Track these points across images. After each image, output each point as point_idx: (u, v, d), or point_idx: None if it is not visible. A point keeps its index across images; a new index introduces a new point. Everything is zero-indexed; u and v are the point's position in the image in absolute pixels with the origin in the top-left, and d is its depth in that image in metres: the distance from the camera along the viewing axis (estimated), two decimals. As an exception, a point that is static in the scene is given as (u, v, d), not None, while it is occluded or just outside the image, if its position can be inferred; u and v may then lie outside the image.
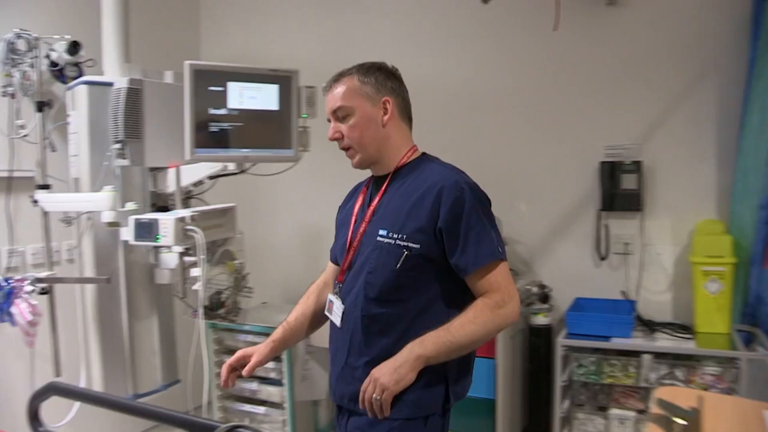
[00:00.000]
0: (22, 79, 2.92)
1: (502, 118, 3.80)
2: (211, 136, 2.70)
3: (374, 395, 1.66)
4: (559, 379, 3.21)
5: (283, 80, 2.85)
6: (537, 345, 3.49)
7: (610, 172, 3.47)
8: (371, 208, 1.84)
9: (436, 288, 1.76)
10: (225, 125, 2.74)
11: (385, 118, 1.80)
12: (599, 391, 3.25)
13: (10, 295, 2.59)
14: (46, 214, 2.91)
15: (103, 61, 2.94)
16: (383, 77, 1.83)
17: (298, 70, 2.88)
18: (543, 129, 3.71)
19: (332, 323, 1.90)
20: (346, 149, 1.86)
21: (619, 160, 3.46)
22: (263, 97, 2.81)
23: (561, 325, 3.41)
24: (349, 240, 1.88)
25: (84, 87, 2.80)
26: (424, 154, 1.91)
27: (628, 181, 3.44)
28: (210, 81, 2.68)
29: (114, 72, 2.90)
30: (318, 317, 2.02)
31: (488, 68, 3.81)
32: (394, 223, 1.76)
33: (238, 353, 1.94)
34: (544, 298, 3.50)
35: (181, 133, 2.68)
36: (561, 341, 3.20)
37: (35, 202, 2.80)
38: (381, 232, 1.76)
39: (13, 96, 2.94)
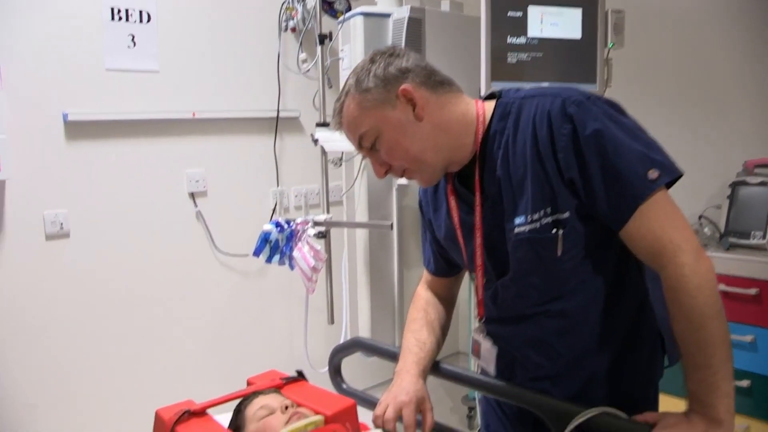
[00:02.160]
0: (303, 13, 2.81)
1: None
2: (508, 67, 2.37)
3: None
4: None
5: (588, 3, 2.41)
6: None
7: None
8: (477, 207, 1.34)
9: (608, 266, 1.30)
10: (523, 56, 2.38)
11: (417, 110, 1.27)
12: None
13: (291, 238, 2.50)
14: (324, 153, 2.79)
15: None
16: (381, 69, 1.28)
17: (604, -10, 2.43)
18: None
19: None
20: (403, 175, 1.35)
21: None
22: (565, 24, 2.41)
23: None
24: (466, 260, 1.42)
25: (360, 18, 2.61)
26: (497, 99, 1.34)
27: None
28: (509, 5, 2.34)
29: (388, 3, 2.70)
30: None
31: None
32: (525, 203, 1.26)
33: (393, 407, 1.36)
34: None
35: (463, 66, 2.41)
36: None
37: (315, 141, 2.68)
38: (517, 220, 1.27)
39: (293, 30, 2.84)
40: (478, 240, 1.35)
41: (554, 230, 1.23)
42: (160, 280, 2.79)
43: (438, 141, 1.29)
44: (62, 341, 2.54)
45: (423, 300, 1.59)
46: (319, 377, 1.67)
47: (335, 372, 1.79)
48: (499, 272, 1.36)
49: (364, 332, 2.88)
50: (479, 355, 1.46)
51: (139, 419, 1.74)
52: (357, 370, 1.88)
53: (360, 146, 1.32)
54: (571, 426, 1.22)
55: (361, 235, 2.80)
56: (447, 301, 1.62)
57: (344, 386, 1.78)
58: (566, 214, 1.21)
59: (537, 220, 1.24)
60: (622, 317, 1.32)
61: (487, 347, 1.42)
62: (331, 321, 2.89)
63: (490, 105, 1.33)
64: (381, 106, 1.26)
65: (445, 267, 1.57)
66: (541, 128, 1.21)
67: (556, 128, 1.19)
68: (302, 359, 2.93)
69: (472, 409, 3.15)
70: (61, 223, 2.49)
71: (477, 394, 2.82)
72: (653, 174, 1.14)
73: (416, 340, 1.50)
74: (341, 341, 2.94)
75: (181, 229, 2.85)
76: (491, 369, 1.43)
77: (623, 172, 1.14)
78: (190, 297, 2.90)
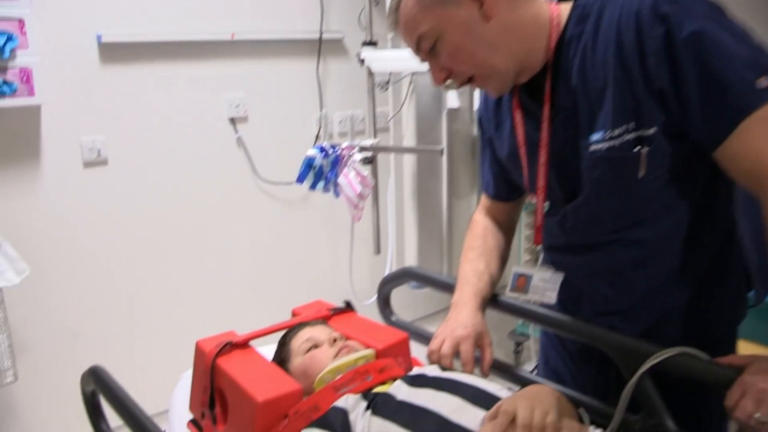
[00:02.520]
0: None
1: None
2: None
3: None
4: None
5: None
6: None
7: None
8: (545, 121, 1.18)
9: (694, 191, 1.14)
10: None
11: (485, 8, 1.08)
12: None
13: (336, 163, 2.38)
14: (370, 76, 2.64)
15: None
16: None
17: None
18: None
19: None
20: (467, 83, 1.18)
21: None
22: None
23: None
24: (527, 181, 1.27)
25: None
26: (574, 0, 1.15)
27: None
28: None
29: None
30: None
31: None
32: (604, 117, 1.09)
33: (450, 342, 1.25)
34: None
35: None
36: None
37: (361, 61, 2.52)
38: (594, 137, 1.12)
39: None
40: (543, 159, 1.21)
41: (637, 148, 1.08)
42: (199, 209, 2.72)
43: (508, 45, 1.13)
44: (101, 271, 2.51)
45: (481, 227, 1.47)
46: (364, 309, 1.57)
47: (384, 303, 1.70)
48: (569, 195, 1.23)
49: (411, 263, 2.80)
50: (524, 290, 1.33)
51: (180, 350, 1.68)
52: (401, 302, 1.77)
53: (418, 49, 1.17)
54: (646, 367, 1.10)
55: (409, 161, 2.68)
56: (506, 228, 1.50)
57: (393, 318, 1.68)
58: (652, 131, 1.06)
59: (617, 137, 1.09)
60: (705, 249, 1.19)
61: (546, 277, 1.30)
62: (377, 251, 2.80)
63: (566, 6, 1.16)
64: (443, 3, 1.10)
65: (506, 190, 1.44)
66: (627, 31, 1.04)
67: (647, 30, 1.02)
68: (347, 290, 2.87)
69: (519, 344, 3.06)
70: (99, 150, 2.42)
71: (533, 328, 2.72)
72: (763, 82, 0.97)
73: (474, 270, 1.39)
74: (386, 272, 2.88)
75: (221, 155, 2.75)
76: (551, 299, 1.30)
77: (727, 80, 0.97)
78: (231, 226, 2.83)
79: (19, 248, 2.10)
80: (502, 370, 1.41)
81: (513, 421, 0.95)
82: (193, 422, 1.35)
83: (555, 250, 1.33)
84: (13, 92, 2.11)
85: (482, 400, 1.05)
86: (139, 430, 1.10)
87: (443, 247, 2.76)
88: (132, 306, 2.59)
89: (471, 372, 1.23)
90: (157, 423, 1.45)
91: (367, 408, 1.08)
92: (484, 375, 1.28)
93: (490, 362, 1.29)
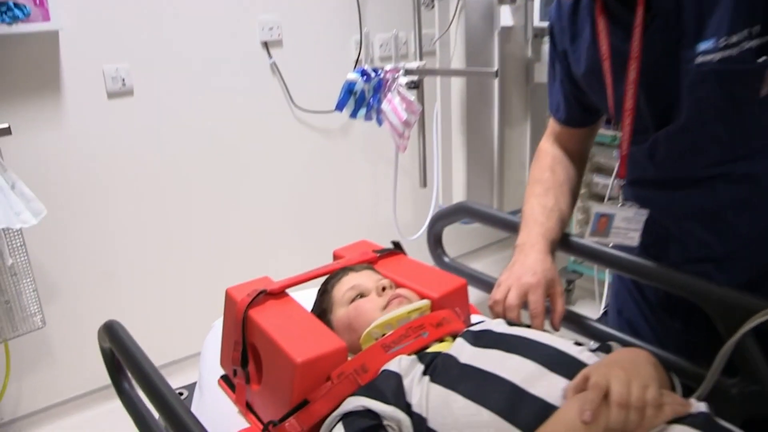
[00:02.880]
0: None
1: None
2: None
3: None
4: None
5: None
6: None
7: None
8: (637, 28, 0.96)
9: None
10: None
11: None
12: None
13: (379, 88, 2.18)
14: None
15: None
16: None
17: None
18: None
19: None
20: None
21: None
22: None
23: None
24: (611, 103, 1.06)
25: None
26: None
27: None
28: None
29: None
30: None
31: None
32: (718, 20, 0.88)
33: (516, 291, 1.07)
34: None
35: None
36: None
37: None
38: (702, 46, 0.91)
39: None
40: (633, 74, 1.00)
41: (762, 59, 0.87)
42: (231, 142, 2.56)
43: None
44: (130, 210, 2.39)
45: (549, 157, 1.28)
46: (409, 246, 1.41)
47: (436, 242, 1.53)
48: (662, 119, 1.03)
49: (458, 196, 2.63)
50: (605, 233, 1.13)
51: (213, 293, 1.54)
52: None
53: None
54: (751, 325, 0.93)
55: (458, 86, 2.46)
56: (578, 158, 1.31)
57: (446, 260, 1.51)
58: None
59: (735, 45, 0.88)
60: None
61: (629, 215, 1.10)
62: (423, 184, 2.61)
63: None
64: None
65: (580, 114, 1.24)
66: None
67: None
68: (389, 226, 2.71)
69: (571, 282, 2.89)
70: (123, 79, 2.25)
71: (597, 269, 2.53)
72: None
73: (542, 206, 1.20)
74: (432, 206, 2.71)
75: (253, 83, 2.57)
76: (633, 241, 1.11)
77: None
78: (265, 159, 2.67)
79: (41, 187, 1.98)
80: (571, 320, 1.24)
81: (605, 396, 0.77)
82: (225, 378, 1.21)
83: (640, 185, 1.13)
84: (27, 16, 1.93)
85: (562, 364, 0.88)
86: (155, 395, 0.96)
87: (493, 179, 2.58)
88: (162, 245, 2.48)
89: (542, 326, 1.06)
90: (191, 366, 1.32)
91: (425, 372, 0.92)
92: (555, 329, 1.11)
93: (562, 314, 1.11)
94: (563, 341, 0.95)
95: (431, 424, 0.85)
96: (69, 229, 2.26)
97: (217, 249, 2.61)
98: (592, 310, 1.21)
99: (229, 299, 1.15)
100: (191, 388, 1.36)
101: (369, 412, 0.87)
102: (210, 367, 1.27)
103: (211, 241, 2.59)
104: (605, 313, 1.48)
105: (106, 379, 1.21)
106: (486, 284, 1.37)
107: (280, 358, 0.99)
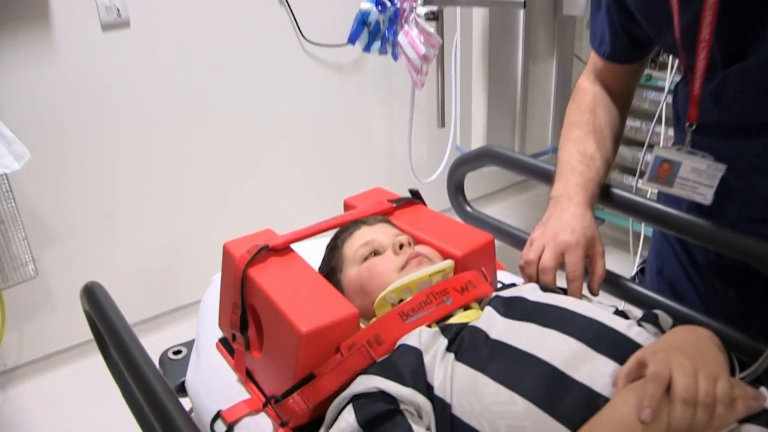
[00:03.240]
0: None
1: None
2: None
3: None
4: None
5: None
6: None
7: None
8: None
9: None
10: None
11: None
12: None
13: (395, 19, 2.00)
14: None
15: None
16: None
17: None
18: None
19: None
20: None
21: None
22: None
23: None
24: (678, 33, 0.91)
25: None
26: None
27: None
28: None
29: None
30: None
31: None
32: None
33: (552, 250, 0.95)
34: None
35: None
36: None
37: None
38: None
39: None
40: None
41: None
42: (235, 77, 2.40)
43: None
44: (128, 149, 2.26)
45: (590, 96, 1.13)
46: (424, 189, 1.28)
47: (456, 190, 1.39)
48: (732, 53, 0.88)
49: (478, 138, 2.47)
50: (668, 181, 0.99)
51: (213, 241, 1.42)
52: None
53: None
54: None
55: (479, 18, 2.28)
56: (622, 99, 1.16)
57: (469, 210, 1.38)
58: None
59: None
60: None
61: (701, 167, 0.95)
62: (441, 124, 2.46)
63: None
64: None
65: (628, 47, 1.08)
66: None
67: None
68: (404, 168, 2.57)
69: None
70: (118, 9, 2.08)
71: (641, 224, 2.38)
72: None
73: (581, 153, 1.06)
74: (449, 147, 2.56)
75: (259, 14, 2.39)
76: (705, 198, 0.96)
77: None
78: (272, 95, 2.51)
79: (30, 127, 1.86)
80: (607, 281, 1.10)
81: (666, 389, 0.65)
82: (223, 342, 1.10)
83: (701, 131, 0.97)
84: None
85: (608, 343, 0.76)
86: (133, 370, 0.86)
87: (516, 120, 2.41)
88: (162, 187, 2.36)
89: (580, 292, 0.93)
90: (196, 314, 1.22)
91: (449, 348, 0.79)
92: (593, 294, 0.98)
93: (602, 277, 0.98)
94: (607, 313, 0.82)
95: (456, 411, 0.73)
96: (63, 172, 2.15)
97: (218, 195, 2.49)
98: (619, 264, 1.10)
99: (227, 255, 1.03)
100: (190, 345, 1.25)
101: (384, 395, 0.76)
102: (208, 328, 1.16)
103: (214, 182, 2.47)
104: (641, 271, 1.35)
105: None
106: (513, 238, 1.24)
107: (283, 326, 0.87)
